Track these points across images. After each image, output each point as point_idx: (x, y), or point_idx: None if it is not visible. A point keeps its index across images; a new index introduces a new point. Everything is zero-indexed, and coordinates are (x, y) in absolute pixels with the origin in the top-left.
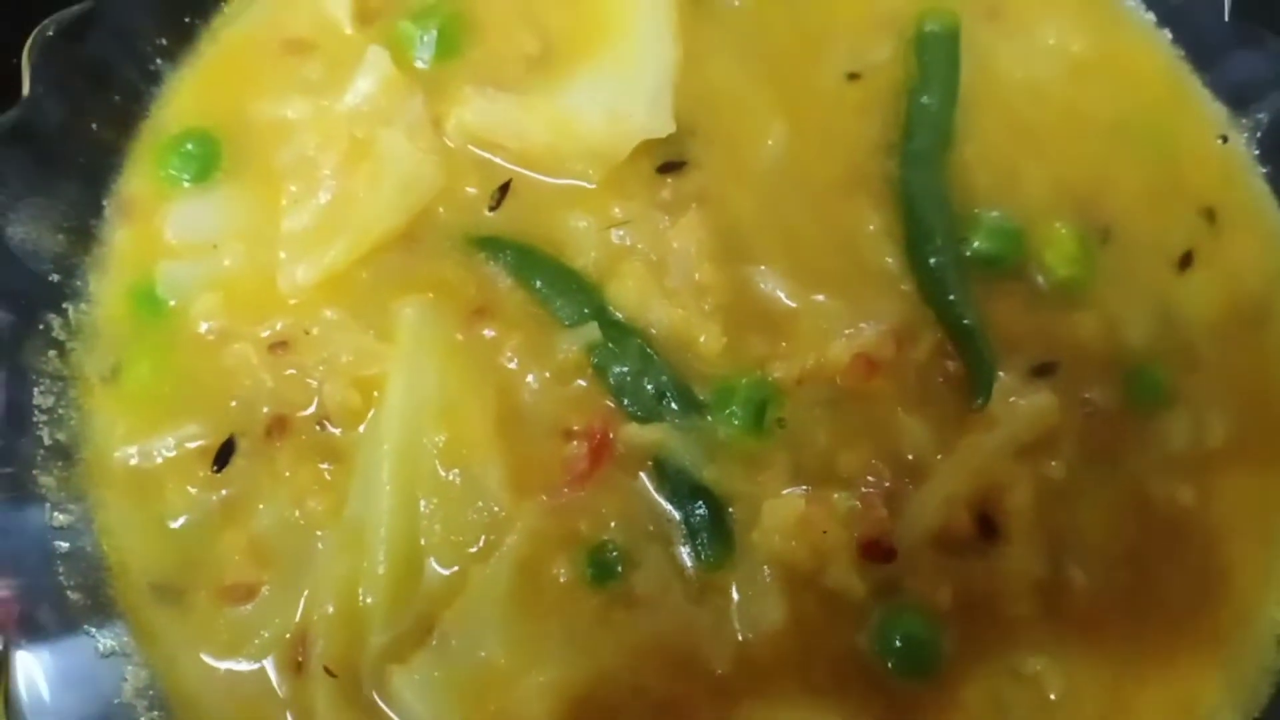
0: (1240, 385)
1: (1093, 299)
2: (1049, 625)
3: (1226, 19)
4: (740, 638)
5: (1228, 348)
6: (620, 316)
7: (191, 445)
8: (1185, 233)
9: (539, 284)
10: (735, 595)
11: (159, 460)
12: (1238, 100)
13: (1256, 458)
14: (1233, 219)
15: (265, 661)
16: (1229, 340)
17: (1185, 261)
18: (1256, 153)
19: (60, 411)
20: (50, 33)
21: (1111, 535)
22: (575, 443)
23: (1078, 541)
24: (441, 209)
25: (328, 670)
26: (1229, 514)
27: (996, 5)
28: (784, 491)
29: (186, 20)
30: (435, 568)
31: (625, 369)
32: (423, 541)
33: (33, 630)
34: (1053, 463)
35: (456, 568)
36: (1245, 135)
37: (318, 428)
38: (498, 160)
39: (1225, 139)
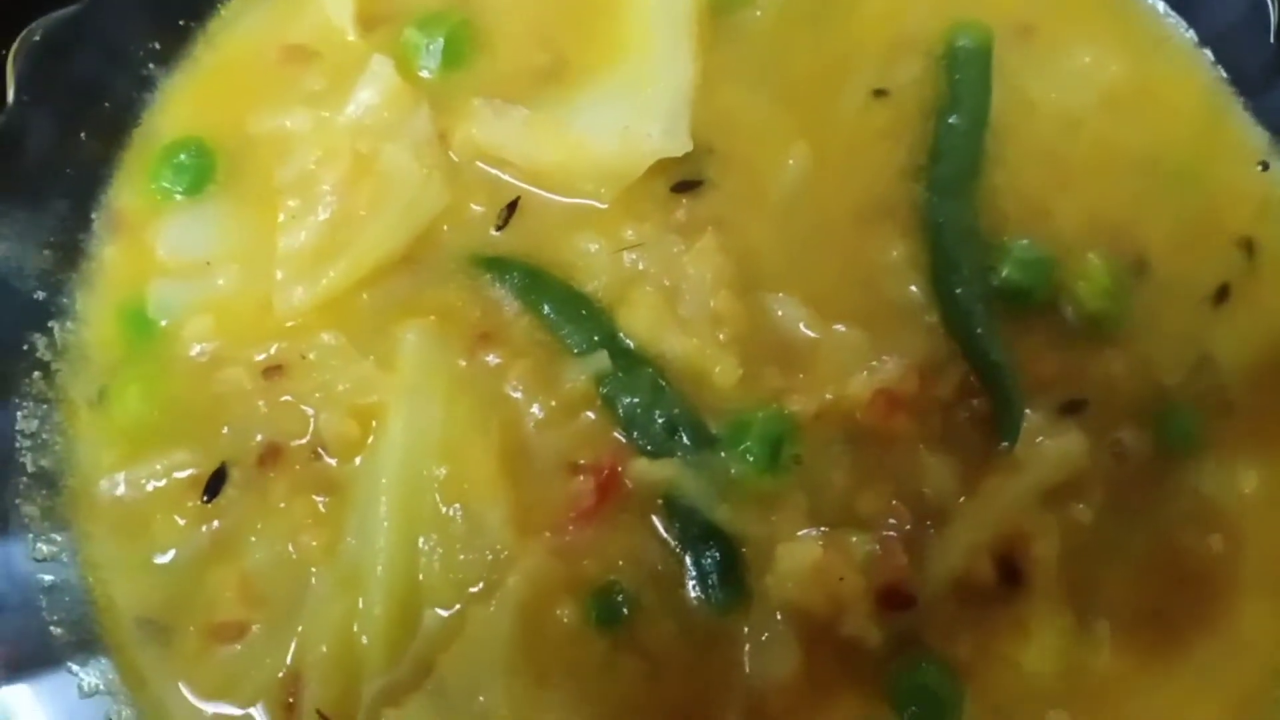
0: (1275, 431)
1: (1124, 335)
2: (1069, 681)
3: (1272, 40)
4: (751, 687)
5: (1263, 390)
6: (631, 345)
7: (181, 474)
8: (1222, 266)
9: (547, 309)
10: (747, 642)
11: (147, 490)
12: None
13: None
14: (1272, 251)
15: (255, 705)
16: (1264, 382)
17: (1221, 296)
18: None
19: (44, 437)
20: (37, 37)
21: (1138, 588)
22: (581, 478)
23: (1103, 593)
24: (446, 228)
25: (320, 714)
26: (1258, 569)
27: (1029, 23)
28: (799, 533)
29: (181, 23)
30: (434, 609)
31: (635, 400)
32: (421, 580)
33: (13, 667)
34: (1080, 506)
35: (456, 609)
36: None
37: (313, 458)
38: (506, 177)
39: (1266, 166)
